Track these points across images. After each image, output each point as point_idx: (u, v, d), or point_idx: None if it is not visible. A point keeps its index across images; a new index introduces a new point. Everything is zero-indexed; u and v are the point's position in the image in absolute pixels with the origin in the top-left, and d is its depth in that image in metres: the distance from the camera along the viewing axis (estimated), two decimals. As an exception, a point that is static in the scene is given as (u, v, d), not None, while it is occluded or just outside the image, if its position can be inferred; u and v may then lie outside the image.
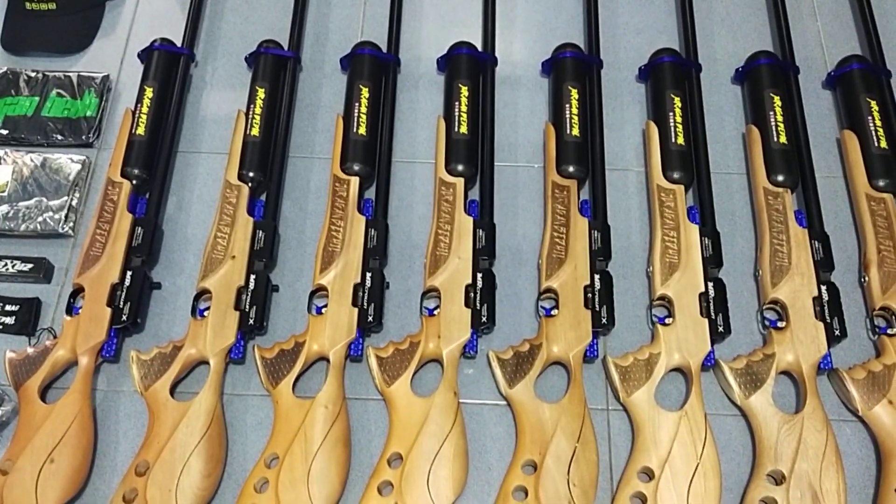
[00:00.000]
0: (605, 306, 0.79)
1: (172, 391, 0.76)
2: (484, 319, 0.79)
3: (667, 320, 0.79)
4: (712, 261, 0.81)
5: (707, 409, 0.76)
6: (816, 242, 0.82)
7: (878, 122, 0.89)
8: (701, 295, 0.79)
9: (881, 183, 0.86)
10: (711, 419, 0.76)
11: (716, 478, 0.72)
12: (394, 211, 0.89)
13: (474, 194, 0.88)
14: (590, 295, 0.79)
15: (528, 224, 0.89)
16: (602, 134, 0.91)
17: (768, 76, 0.93)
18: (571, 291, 0.80)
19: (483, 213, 0.85)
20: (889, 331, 0.78)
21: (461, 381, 0.79)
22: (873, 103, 0.90)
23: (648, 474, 0.72)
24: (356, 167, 0.87)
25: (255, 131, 0.88)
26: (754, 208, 0.88)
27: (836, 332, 0.77)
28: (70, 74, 0.97)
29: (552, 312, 0.80)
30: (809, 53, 1.02)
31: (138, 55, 0.97)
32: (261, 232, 0.83)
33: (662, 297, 0.80)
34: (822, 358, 0.76)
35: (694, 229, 0.83)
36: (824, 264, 0.81)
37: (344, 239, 0.82)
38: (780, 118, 0.89)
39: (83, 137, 0.93)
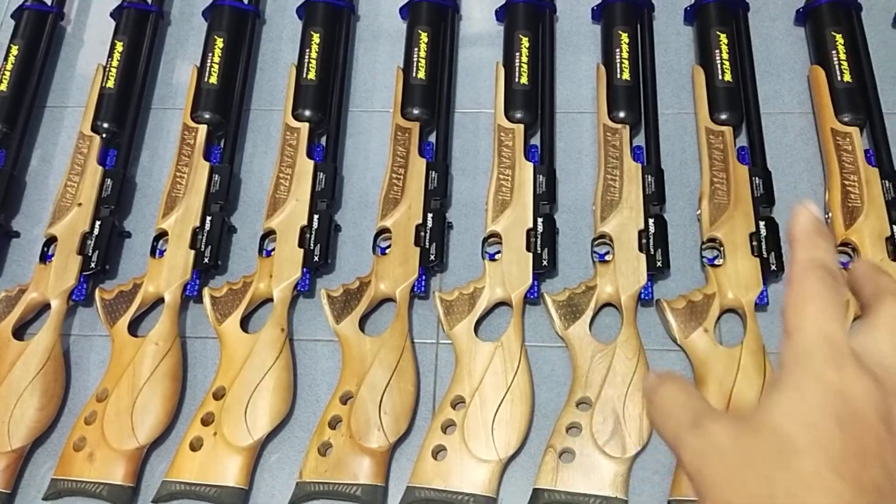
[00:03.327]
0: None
1: (20, 333, 0.83)
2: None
3: (496, 256, 0.83)
4: (654, 198, 0.84)
5: (535, 341, 0.81)
6: (649, 177, 0.85)
7: (726, 57, 0.91)
8: (529, 231, 0.83)
9: (724, 116, 0.88)
10: (538, 350, 0.81)
11: (524, 404, 0.76)
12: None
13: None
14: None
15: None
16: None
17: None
18: (405, 228, 0.84)
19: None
20: (716, 262, 0.81)
21: (299, 319, 0.85)
22: (723, 36, 0.92)
23: (461, 402, 0.77)
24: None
25: (111, 83, 0.94)
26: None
27: (659, 264, 0.80)
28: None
29: (386, 251, 0.84)
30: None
31: (11, 16, 1.03)
32: (109, 180, 0.89)
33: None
34: (643, 288, 0.80)
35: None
36: (654, 197, 0.84)
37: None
38: (624, 55, 0.92)
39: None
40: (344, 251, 0.88)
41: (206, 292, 0.83)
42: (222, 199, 0.88)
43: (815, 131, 0.91)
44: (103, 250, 0.85)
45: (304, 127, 0.91)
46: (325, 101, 0.93)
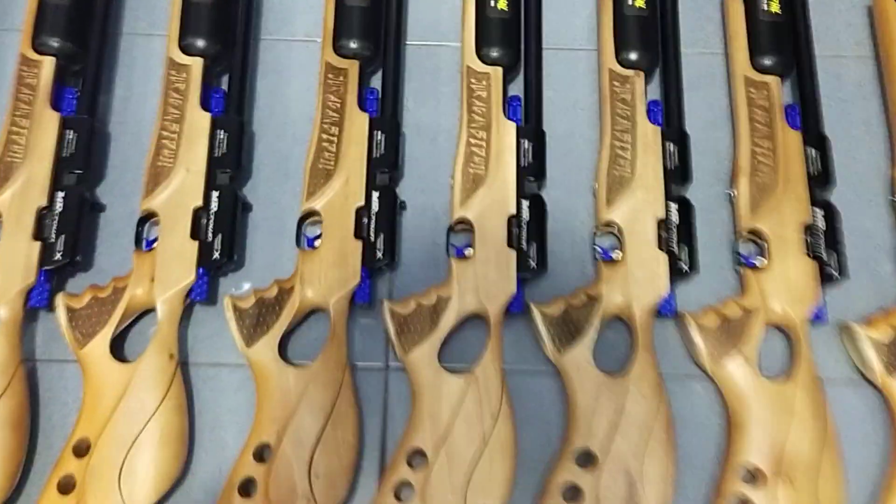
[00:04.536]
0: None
1: None
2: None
3: (466, 252, 0.63)
4: (678, 174, 0.65)
5: (517, 363, 0.63)
6: (671, 144, 0.65)
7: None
8: (511, 218, 0.63)
9: (769, 62, 0.68)
10: (521, 377, 0.63)
11: (506, 461, 0.58)
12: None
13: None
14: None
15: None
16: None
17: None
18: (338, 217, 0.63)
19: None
20: (755, 262, 0.63)
21: (195, 335, 0.64)
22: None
23: (421, 457, 0.58)
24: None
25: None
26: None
27: (685, 268, 0.62)
28: None
29: (315, 243, 0.63)
30: None
31: None
32: None
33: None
34: (664, 300, 0.62)
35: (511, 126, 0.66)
36: (679, 174, 0.65)
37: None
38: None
39: None
40: (256, 241, 0.67)
41: (60, 301, 0.61)
42: (81, 165, 0.64)
43: (877, 81, 0.72)
44: None
45: (197, 63, 0.66)
46: (225, 26, 0.68)
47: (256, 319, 0.61)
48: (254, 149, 0.69)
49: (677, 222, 0.63)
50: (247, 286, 0.65)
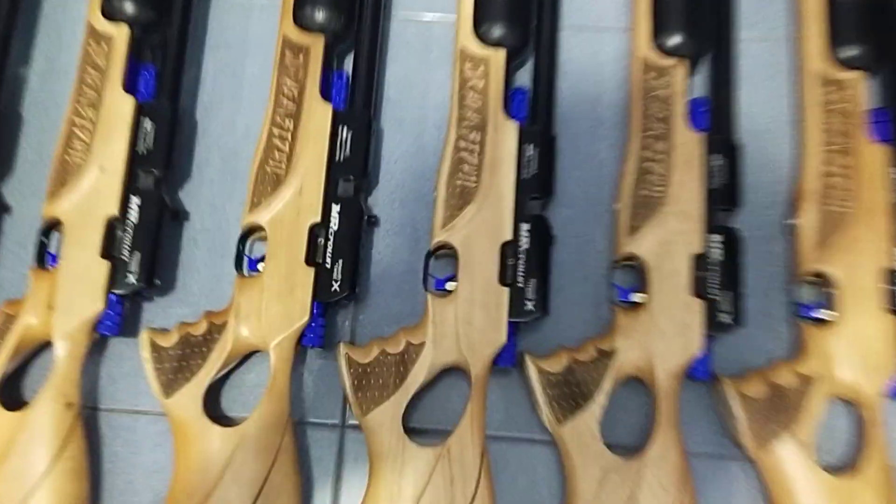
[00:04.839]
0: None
1: None
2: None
3: (448, 285, 0.50)
4: (724, 195, 0.51)
5: (506, 430, 0.50)
6: (718, 157, 0.51)
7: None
8: (506, 245, 0.50)
9: (853, 52, 0.53)
10: (509, 446, 0.50)
11: (481, 563, 0.46)
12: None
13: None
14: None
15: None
16: None
17: None
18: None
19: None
20: (821, 315, 0.49)
21: (108, 373, 0.52)
22: None
23: (373, 549, 0.46)
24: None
25: None
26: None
27: (728, 319, 0.49)
28: None
29: (258, 267, 0.51)
30: None
31: None
32: None
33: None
34: (697, 361, 0.48)
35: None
36: (725, 197, 0.51)
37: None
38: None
39: None
40: (194, 257, 0.55)
41: (-58, 330, 0.50)
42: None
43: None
44: None
45: (122, 32, 0.53)
46: (160, -15, 0.56)
47: (179, 361, 0.49)
48: (195, 143, 0.56)
49: (720, 259, 0.49)
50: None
